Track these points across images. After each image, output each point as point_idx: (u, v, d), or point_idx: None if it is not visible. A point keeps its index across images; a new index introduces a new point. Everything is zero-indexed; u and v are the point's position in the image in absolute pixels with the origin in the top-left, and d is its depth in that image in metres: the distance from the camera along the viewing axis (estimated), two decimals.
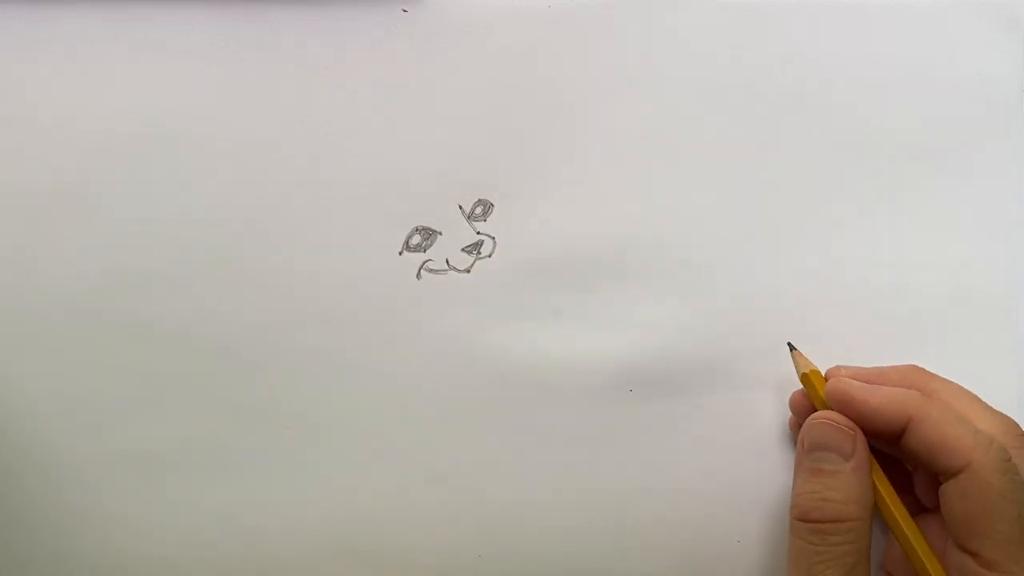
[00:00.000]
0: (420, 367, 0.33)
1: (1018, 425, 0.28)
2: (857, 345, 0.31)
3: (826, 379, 0.30)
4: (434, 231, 0.32)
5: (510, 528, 0.33)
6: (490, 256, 0.33)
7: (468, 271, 0.33)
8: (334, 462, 0.33)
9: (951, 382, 0.29)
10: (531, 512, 0.33)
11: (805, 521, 0.28)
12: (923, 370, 0.30)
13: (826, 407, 0.29)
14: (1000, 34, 0.34)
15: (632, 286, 0.32)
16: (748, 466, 0.32)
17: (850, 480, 0.27)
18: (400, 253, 0.32)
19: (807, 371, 0.30)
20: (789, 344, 0.31)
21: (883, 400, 0.28)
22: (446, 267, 0.33)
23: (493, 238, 0.33)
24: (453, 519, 0.33)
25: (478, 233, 0.33)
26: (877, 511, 0.28)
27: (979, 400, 0.29)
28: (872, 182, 0.34)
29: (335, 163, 0.32)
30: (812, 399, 0.30)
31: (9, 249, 0.31)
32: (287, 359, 0.32)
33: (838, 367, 0.31)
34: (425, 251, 0.32)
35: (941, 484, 0.27)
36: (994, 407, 0.29)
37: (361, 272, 0.32)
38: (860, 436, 0.28)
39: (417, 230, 0.32)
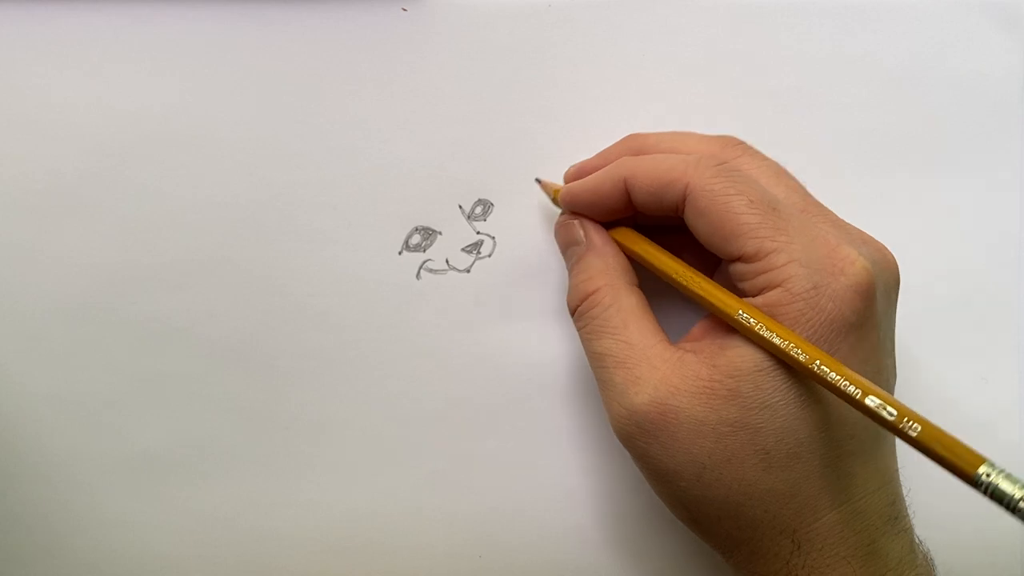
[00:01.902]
0: (420, 367, 0.33)
1: (735, 137, 0.29)
2: None
3: None
4: (434, 231, 0.32)
5: (510, 528, 0.33)
6: (490, 256, 0.33)
7: (468, 271, 0.33)
8: (334, 462, 0.33)
9: (664, 132, 0.30)
10: (531, 512, 0.33)
11: (573, 315, 0.29)
12: (638, 135, 0.30)
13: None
14: (1000, 34, 0.34)
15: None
16: None
17: (590, 260, 0.29)
18: (400, 253, 0.32)
19: (555, 192, 0.31)
20: (536, 179, 0.32)
21: (599, 180, 0.29)
22: (446, 267, 0.33)
23: (493, 238, 0.33)
24: (453, 519, 0.33)
25: (478, 233, 0.33)
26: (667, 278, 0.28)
27: (693, 133, 0.30)
28: (872, 182, 0.34)
29: (335, 163, 0.32)
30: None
31: (9, 249, 0.31)
32: (287, 359, 0.32)
33: (568, 170, 0.31)
34: (425, 251, 0.32)
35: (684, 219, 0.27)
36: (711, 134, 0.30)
37: (361, 272, 0.32)
38: (586, 221, 0.30)
39: (417, 230, 0.32)
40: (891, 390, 0.28)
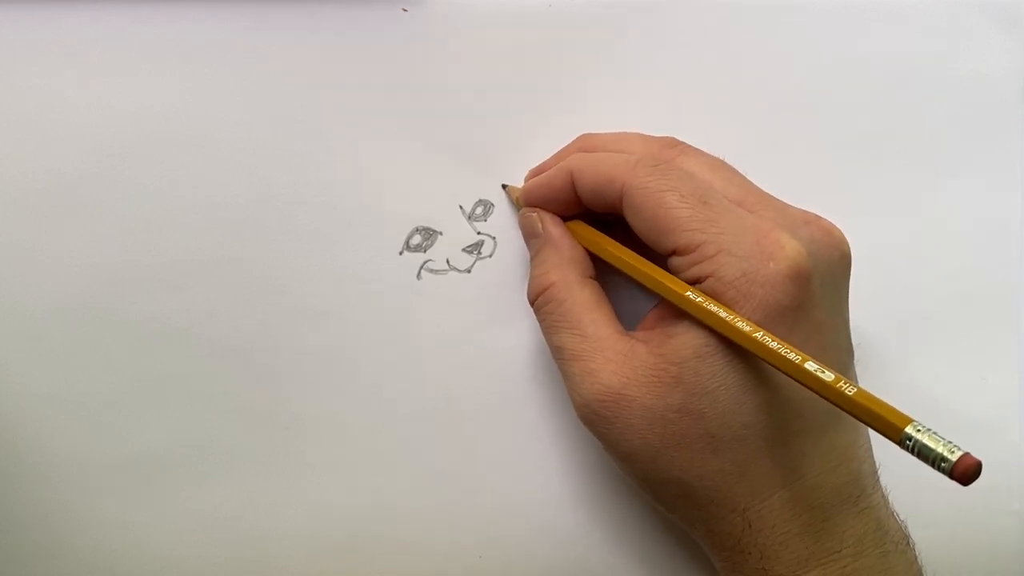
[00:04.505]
0: (420, 367, 0.33)
1: (674, 138, 0.30)
2: (857, 344, 0.31)
3: None
4: (434, 231, 0.32)
5: (510, 528, 0.33)
6: (490, 256, 0.33)
7: (468, 271, 0.33)
8: (334, 462, 0.33)
9: (613, 133, 0.31)
10: (531, 512, 0.33)
11: (532, 306, 0.30)
12: (590, 135, 0.32)
13: None
14: (1000, 34, 0.34)
15: (632, 284, 0.32)
16: None
17: (545, 253, 0.30)
18: (400, 253, 0.32)
19: (518, 196, 0.32)
20: (503, 185, 0.33)
21: (551, 175, 0.30)
22: (446, 267, 0.33)
23: (493, 238, 0.33)
24: (453, 519, 0.33)
25: (478, 233, 0.33)
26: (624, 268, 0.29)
27: (638, 135, 0.31)
28: (872, 182, 0.34)
29: (335, 163, 0.32)
30: None
31: (9, 249, 0.31)
32: (287, 359, 0.32)
33: (528, 172, 0.32)
34: (425, 251, 0.32)
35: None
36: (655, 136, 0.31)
37: (361, 272, 0.32)
38: (544, 214, 0.31)
39: (417, 230, 0.32)
40: (845, 367, 0.29)
